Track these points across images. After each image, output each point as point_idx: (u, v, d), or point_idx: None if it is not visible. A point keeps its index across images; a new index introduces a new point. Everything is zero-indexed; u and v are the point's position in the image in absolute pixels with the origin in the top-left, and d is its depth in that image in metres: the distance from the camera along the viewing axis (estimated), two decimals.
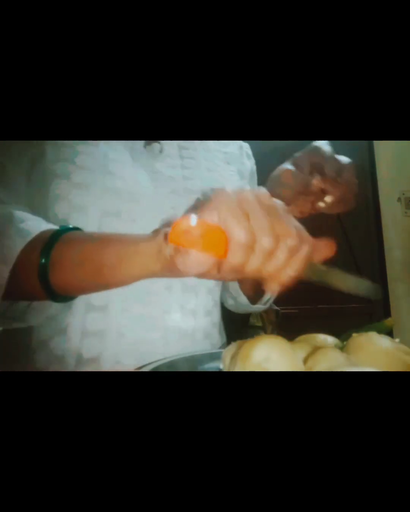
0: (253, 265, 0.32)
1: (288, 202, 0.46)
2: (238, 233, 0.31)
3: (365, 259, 1.76)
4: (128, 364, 0.49)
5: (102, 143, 0.52)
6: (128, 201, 0.51)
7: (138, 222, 0.51)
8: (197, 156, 0.60)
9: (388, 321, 0.44)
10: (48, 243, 0.41)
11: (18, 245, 0.41)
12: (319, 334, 0.39)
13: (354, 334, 0.35)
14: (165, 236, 0.33)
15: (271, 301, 0.64)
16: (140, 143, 0.56)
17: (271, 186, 0.49)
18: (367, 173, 1.84)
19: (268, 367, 0.30)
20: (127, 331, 0.50)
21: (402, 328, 1.69)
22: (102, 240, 0.42)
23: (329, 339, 0.38)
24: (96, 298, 0.49)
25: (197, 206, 0.34)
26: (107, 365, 0.48)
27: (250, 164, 0.69)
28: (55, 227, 0.44)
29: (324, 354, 0.32)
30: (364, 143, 1.85)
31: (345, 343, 0.35)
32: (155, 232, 0.38)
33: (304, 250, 0.33)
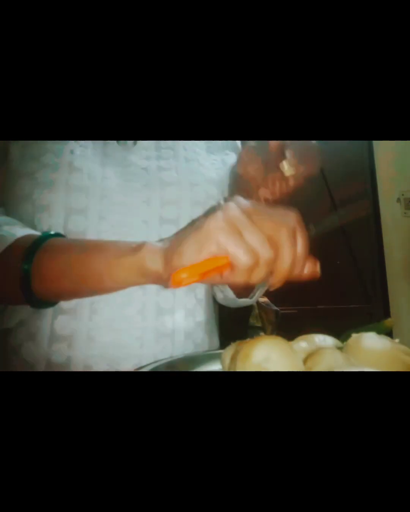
0: (260, 276, 0.34)
1: (259, 182, 0.48)
2: (242, 258, 0.32)
3: (364, 259, 1.76)
4: (99, 369, 0.47)
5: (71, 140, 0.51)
6: (96, 198, 0.49)
7: (107, 219, 0.49)
8: (175, 145, 0.57)
9: (387, 322, 0.44)
10: (30, 250, 0.41)
11: None
12: (318, 334, 0.39)
13: (354, 335, 0.35)
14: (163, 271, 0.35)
15: (259, 295, 0.62)
16: None
17: (239, 169, 0.50)
18: (366, 173, 1.84)
19: (267, 367, 0.30)
20: (97, 334, 0.47)
21: (402, 329, 1.69)
22: (86, 250, 0.41)
23: (329, 340, 0.38)
24: (65, 301, 0.47)
25: (191, 234, 0.35)
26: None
27: (235, 156, 0.65)
28: (35, 232, 0.44)
29: (323, 354, 0.32)
30: (363, 143, 1.85)
31: (344, 343, 0.35)
32: (140, 246, 0.38)
33: (299, 236, 0.35)
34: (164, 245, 0.38)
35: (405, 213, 1.87)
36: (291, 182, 0.48)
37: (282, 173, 0.46)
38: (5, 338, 0.49)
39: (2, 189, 0.49)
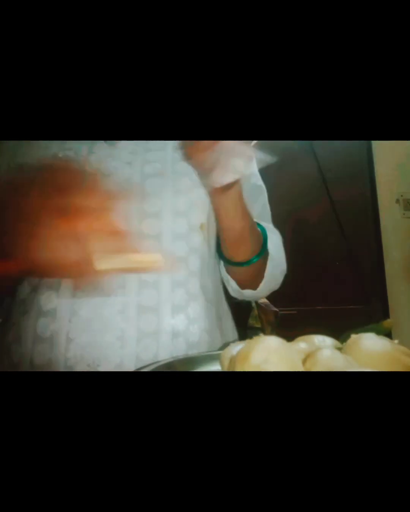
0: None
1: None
2: None
3: (364, 260, 1.77)
4: (80, 370, 0.46)
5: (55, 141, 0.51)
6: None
7: None
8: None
9: (386, 322, 0.44)
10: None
11: None
12: (317, 335, 0.39)
13: (353, 335, 0.35)
14: None
15: (266, 289, 0.62)
16: None
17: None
18: (366, 175, 1.85)
19: (266, 368, 0.29)
20: (76, 335, 0.47)
21: (401, 329, 1.69)
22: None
23: (328, 340, 0.38)
24: (46, 302, 0.48)
25: None
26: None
27: None
28: None
29: (322, 355, 0.32)
30: (363, 144, 1.86)
31: (343, 344, 0.35)
32: None
33: None
34: None
35: (404, 214, 1.87)
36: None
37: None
38: (1, 338, 0.50)
39: None
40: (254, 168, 0.68)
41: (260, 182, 0.71)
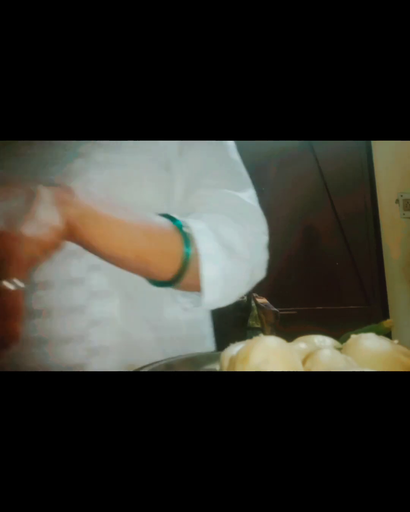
0: None
1: None
2: None
3: (363, 260, 1.77)
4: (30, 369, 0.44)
5: (36, 145, 0.47)
6: None
7: None
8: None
9: (386, 323, 0.44)
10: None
11: None
12: (317, 335, 0.39)
13: (353, 336, 0.35)
14: None
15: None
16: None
17: None
18: (365, 174, 1.85)
19: (266, 368, 0.29)
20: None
21: (401, 330, 1.69)
22: None
23: (328, 340, 0.38)
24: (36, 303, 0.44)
25: None
26: None
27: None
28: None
29: (322, 355, 0.32)
30: (362, 145, 1.86)
31: (343, 344, 0.35)
32: None
33: None
34: None
35: (403, 214, 1.88)
36: None
37: None
38: None
39: None
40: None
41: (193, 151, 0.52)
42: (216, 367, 0.38)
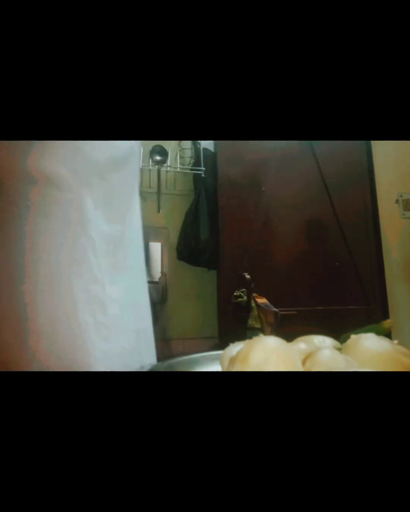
0: None
1: None
2: None
3: (363, 261, 1.76)
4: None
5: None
6: None
7: None
8: None
9: (386, 323, 0.44)
10: None
11: None
12: (317, 335, 0.39)
13: (353, 336, 0.35)
14: None
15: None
16: None
17: None
18: (365, 175, 1.85)
19: (266, 368, 0.29)
20: None
21: (401, 330, 1.69)
22: None
23: (328, 340, 0.38)
24: None
25: None
26: None
27: None
28: None
29: (322, 355, 0.32)
30: (362, 145, 1.86)
31: (343, 344, 0.35)
32: None
33: None
34: None
35: (403, 214, 1.88)
36: None
37: None
38: None
39: None
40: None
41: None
42: (216, 367, 0.38)
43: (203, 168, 1.62)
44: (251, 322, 1.43)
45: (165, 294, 1.69)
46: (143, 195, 1.62)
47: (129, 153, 0.54)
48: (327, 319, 1.50)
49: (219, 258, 1.59)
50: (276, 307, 1.42)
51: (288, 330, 0.48)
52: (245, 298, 1.51)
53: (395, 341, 0.34)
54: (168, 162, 1.63)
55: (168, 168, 1.63)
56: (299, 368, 0.31)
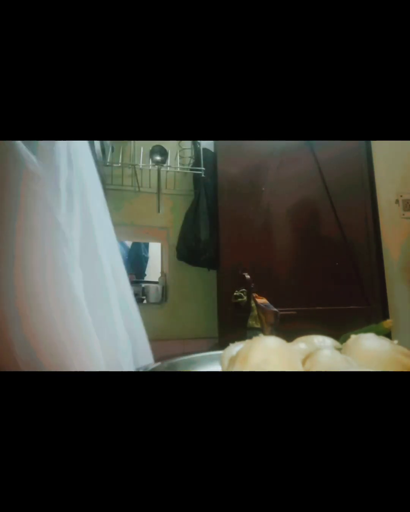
0: None
1: None
2: None
3: (363, 261, 1.76)
4: None
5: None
6: None
7: None
8: None
9: (386, 323, 0.44)
10: None
11: None
12: (317, 335, 0.39)
13: (353, 336, 0.35)
14: None
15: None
16: None
17: None
18: (365, 175, 1.85)
19: (266, 368, 0.29)
20: None
21: (400, 330, 1.69)
22: None
23: (328, 340, 0.38)
24: None
25: None
26: None
27: None
28: None
29: (322, 355, 0.32)
30: (362, 145, 1.86)
31: (343, 344, 0.35)
32: None
33: None
34: None
35: (403, 214, 1.88)
36: None
37: None
38: None
39: None
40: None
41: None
42: (217, 367, 0.38)
43: (204, 168, 1.62)
44: (251, 322, 1.43)
45: (166, 294, 1.69)
46: (143, 195, 1.62)
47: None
48: (327, 319, 1.50)
49: (218, 258, 1.59)
50: (276, 307, 1.41)
51: (288, 330, 0.48)
52: (245, 298, 1.51)
53: (395, 341, 0.34)
54: (168, 162, 1.63)
55: (168, 168, 1.63)
56: (299, 368, 0.31)
